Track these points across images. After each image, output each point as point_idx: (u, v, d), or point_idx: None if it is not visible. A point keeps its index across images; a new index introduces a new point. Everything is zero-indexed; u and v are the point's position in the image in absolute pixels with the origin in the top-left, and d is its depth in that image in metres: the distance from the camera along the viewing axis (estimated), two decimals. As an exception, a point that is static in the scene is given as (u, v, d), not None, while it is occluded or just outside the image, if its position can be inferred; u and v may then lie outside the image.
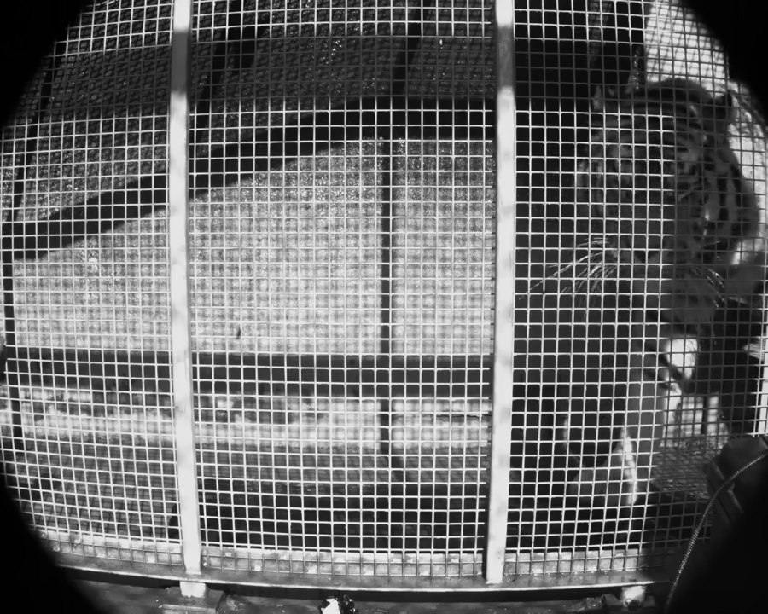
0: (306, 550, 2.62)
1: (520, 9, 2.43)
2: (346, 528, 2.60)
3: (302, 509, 2.59)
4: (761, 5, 1.17)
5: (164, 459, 2.66)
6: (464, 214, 3.00)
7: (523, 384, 2.50)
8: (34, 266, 3.37)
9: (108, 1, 2.75)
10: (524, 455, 2.51)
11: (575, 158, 2.60)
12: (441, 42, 3.32)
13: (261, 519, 2.61)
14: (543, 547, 2.56)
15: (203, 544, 2.64)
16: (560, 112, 2.61)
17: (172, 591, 2.64)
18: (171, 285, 2.52)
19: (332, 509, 2.61)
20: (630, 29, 2.50)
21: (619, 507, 2.54)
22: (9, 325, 3.29)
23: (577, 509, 2.57)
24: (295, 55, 3.07)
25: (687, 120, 2.60)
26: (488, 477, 2.53)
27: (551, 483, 2.51)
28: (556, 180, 2.53)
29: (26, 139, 2.92)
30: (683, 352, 2.87)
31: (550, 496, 2.52)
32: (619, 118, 2.58)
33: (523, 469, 2.52)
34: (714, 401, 3.34)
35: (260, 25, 2.66)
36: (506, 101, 2.40)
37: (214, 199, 3.34)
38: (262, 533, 2.61)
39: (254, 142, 2.62)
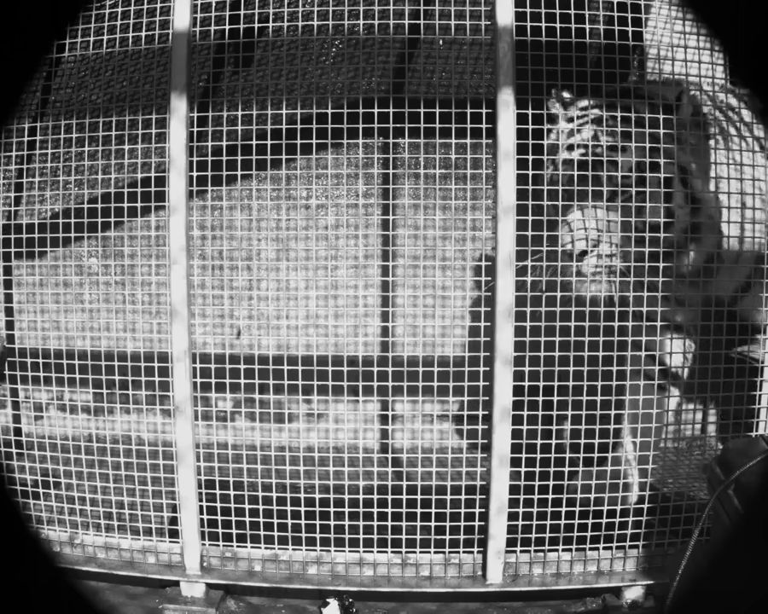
0: (306, 550, 2.62)
1: (520, 9, 2.43)
2: (346, 528, 2.60)
3: (302, 509, 2.59)
4: (761, 5, 1.17)
5: (164, 459, 2.66)
6: (464, 214, 3.00)
7: (523, 384, 2.50)
8: (34, 266, 3.37)
9: (108, 1, 2.75)
10: (524, 455, 2.51)
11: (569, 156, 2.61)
12: (441, 42, 3.32)
13: (261, 519, 2.61)
14: (543, 547, 2.56)
15: (203, 544, 2.64)
16: (560, 112, 2.62)
17: (172, 591, 2.64)
18: (171, 285, 2.52)
19: (332, 509, 2.61)
20: (630, 29, 2.50)
21: (619, 507, 2.54)
22: (9, 325, 3.29)
23: (577, 509, 2.57)
24: (295, 55, 3.07)
25: (638, 120, 2.56)
26: (488, 477, 2.53)
27: (551, 483, 2.52)
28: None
29: (26, 139, 2.92)
30: (672, 352, 2.86)
31: (550, 496, 2.52)
32: (574, 119, 2.59)
33: (523, 469, 2.52)
34: (705, 401, 3.34)
35: (260, 25, 2.66)
36: (506, 101, 2.40)
37: (214, 199, 3.34)
38: (262, 533, 2.61)
39: (254, 142, 2.62)
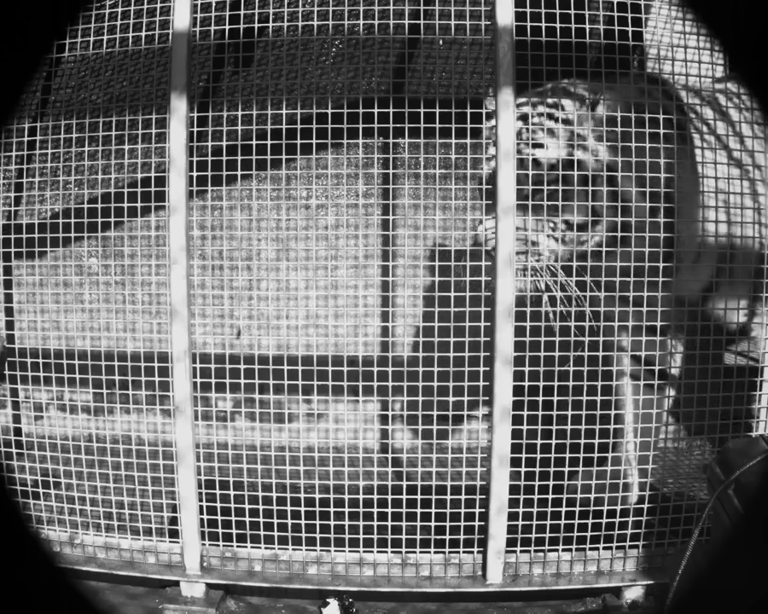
0: (306, 550, 2.62)
1: (520, 9, 2.43)
2: (346, 528, 2.60)
3: (302, 509, 2.59)
4: (761, 5, 1.18)
5: (164, 459, 2.66)
6: (464, 214, 3.00)
7: (523, 384, 2.50)
8: (34, 266, 3.37)
9: (108, 1, 2.75)
10: (524, 455, 2.51)
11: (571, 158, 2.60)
12: (441, 42, 3.32)
13: (261, 519, 2.61)
14: (543, 547, 2.56)
15: (203, 544, 2.64)
16: (559, 113, 2.62)
17: (172, 591, 2.64)
18: (171, 285, 2.52)
19: (332, 509, 2.61)
20: (630, 29, 2.50)
21: (618, 507, 2.54)
22: (9, 325, 3.29)
23: (577, 509, 2.57)
24: (295, 55, 3.07)
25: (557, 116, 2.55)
26: (488, 477, 2.53)
27: (551, 483, 2.51)
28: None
29: (26, 139, 2.92)
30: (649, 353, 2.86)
31: (550, 496, 2.52)
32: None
33: (523, 469, 2.52)
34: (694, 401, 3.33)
35: (260, 25, 2.66)
36: (506, 101, 2.40)
37: (214, 199, 3.34)
38: (262, 533, 2.61)
39: (254, 142, 2.62)
